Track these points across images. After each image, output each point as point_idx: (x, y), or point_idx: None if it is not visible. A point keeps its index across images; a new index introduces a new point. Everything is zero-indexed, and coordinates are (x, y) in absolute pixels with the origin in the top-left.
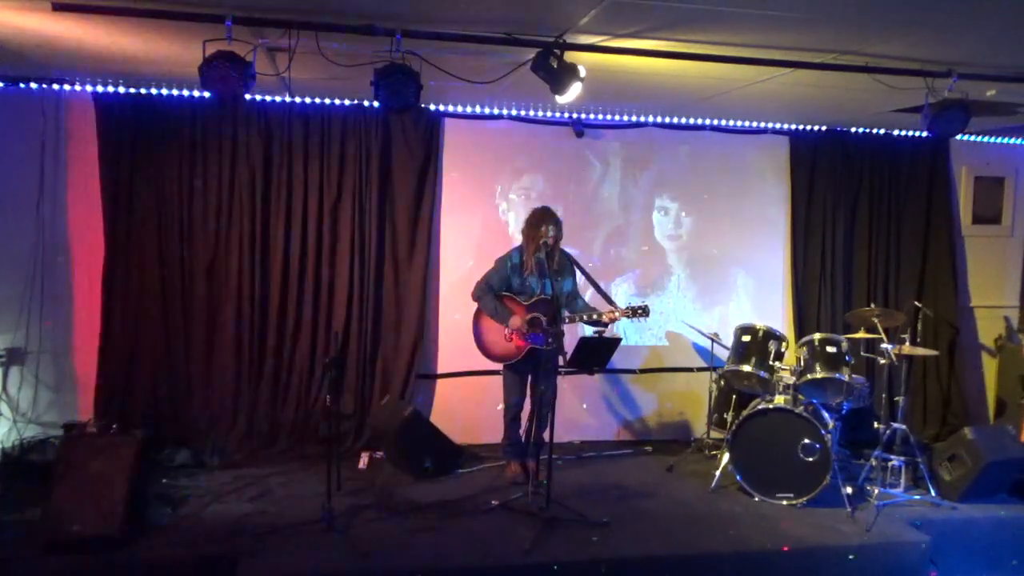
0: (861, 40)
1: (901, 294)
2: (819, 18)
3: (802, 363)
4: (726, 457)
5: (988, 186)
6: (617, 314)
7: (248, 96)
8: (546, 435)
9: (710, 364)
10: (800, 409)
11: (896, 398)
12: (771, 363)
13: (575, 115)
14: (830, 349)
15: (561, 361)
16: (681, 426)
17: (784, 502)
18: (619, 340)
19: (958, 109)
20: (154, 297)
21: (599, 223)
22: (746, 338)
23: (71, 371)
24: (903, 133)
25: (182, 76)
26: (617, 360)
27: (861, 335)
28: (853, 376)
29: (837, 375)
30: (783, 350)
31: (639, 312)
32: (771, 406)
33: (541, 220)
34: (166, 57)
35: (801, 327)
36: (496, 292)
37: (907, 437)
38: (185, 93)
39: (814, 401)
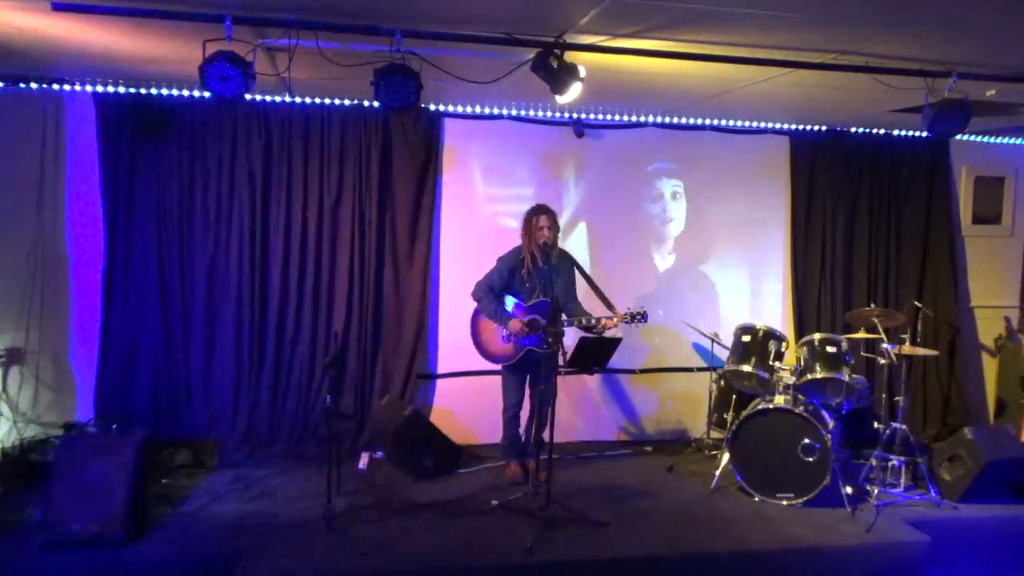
0: (861, 40)
1: (901, 294)
2: (819, 18)
3: (802, 363)
4: (726, 457)
5: (988, 186)
6: (615, 320)
7: (248, 96)
8: (546, 435)
9: (710, 364)
10: (800, 409)
11: (896, 398)
12: (771, 363)
13: (575, 115)
14: (830, 349)
15: (561, 361)
16: (681, 426)
17: (784, 502)
18: (619, 340)
19: (958, 109)
20: (154, 297)
21: (599, 224)
22: (746, 338)
23: (71, 371)
24: (903, 133)
25: (182, 76)
26: (617, 360)
27: (861, 335)
28: (853, 376)
29: (837, 375)
30: (783, 350)
31: (637, 318)
32: (771, 406)
33: (536, 215)
34: (166, 57)
35: (801, 327)
36: (496, 293)
37: (907, 437)
38: (185, 93)
39: (814, 401)
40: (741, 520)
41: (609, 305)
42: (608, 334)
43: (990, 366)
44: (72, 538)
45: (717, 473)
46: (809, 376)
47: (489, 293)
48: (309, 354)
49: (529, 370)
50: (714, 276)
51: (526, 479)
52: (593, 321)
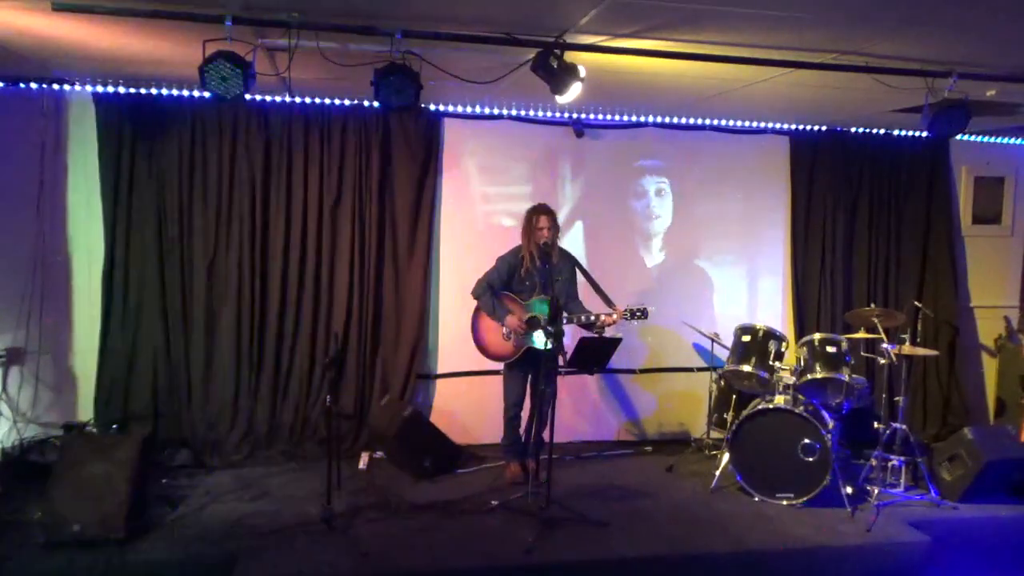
0: (861, 40)
1: (901, 294)
2: (819, 18)
3: (802, 363)
4: (726, 457)
5: (988, 186)
6: (615, 316)
7: (248, 96)
8: (546, 435)
9: (710, 364)
10: (800, 409)
11: (896, 398)
12: (771, 363)
13: (575, 115)
14: (830, 349)
15: (561, 361)
16: (681, 426)
17: (784, 502)
18: (619, 340)
19: (958, 109)
20: (154, 297)
21: (599, 224)
22: (746, 338)
23: (71, 371)
24: (903, 133)
25: (182, 76)
26: (617, 360)
27: (861, 335)
28: (853, 376)
29: (837, 375)
30: (783, 350)
31: (638, 314)
32: (771, 406)
33: (536, 215)
34: (166, 57)
35: (801, 327)
36: (495, 291)
37: (907, 437)
38: (185, 93)
39: (814, 401)
40: (741, 520)
41: (609, 302)
42: (608, 333)
43: (990, 366)
44: (72, 538)
45: (717, 473)
46: (809, 376)
47: (488, 291)
48: (309, 354)
49: (530, 368)
50: (714, 276)
51: (526, 479)
52: (592, 318)
